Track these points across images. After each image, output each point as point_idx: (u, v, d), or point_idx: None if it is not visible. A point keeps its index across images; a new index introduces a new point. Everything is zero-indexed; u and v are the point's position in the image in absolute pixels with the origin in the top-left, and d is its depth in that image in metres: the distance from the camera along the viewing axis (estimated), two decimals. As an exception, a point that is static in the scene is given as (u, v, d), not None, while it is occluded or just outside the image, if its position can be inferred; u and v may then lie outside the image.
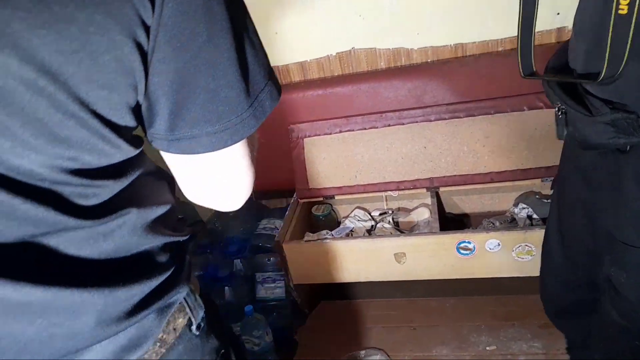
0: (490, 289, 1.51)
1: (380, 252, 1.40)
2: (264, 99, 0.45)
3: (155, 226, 0.49)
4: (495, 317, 1.44)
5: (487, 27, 1.52)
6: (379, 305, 1.59)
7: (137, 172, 0.48)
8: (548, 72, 0.88)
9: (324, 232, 1.58)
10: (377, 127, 1.62)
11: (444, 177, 1.55)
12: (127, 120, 0.42)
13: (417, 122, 1.58)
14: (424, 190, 1.57)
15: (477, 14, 1.50)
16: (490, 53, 1.55)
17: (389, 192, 1.61)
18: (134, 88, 0.40)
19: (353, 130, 1.63)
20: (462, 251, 1.32)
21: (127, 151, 0.44)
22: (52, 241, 0.42)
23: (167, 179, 0.54)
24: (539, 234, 1.25)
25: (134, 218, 0.47)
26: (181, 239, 0.53)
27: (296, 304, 1.56)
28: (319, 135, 1.65)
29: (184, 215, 1.83)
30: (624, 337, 0.88)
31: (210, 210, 1.87)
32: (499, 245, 1.29)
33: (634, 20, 0.64)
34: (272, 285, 1.53)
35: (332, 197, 1.66)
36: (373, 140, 1.62)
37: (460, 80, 1.56)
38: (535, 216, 1.42)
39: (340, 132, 1.64)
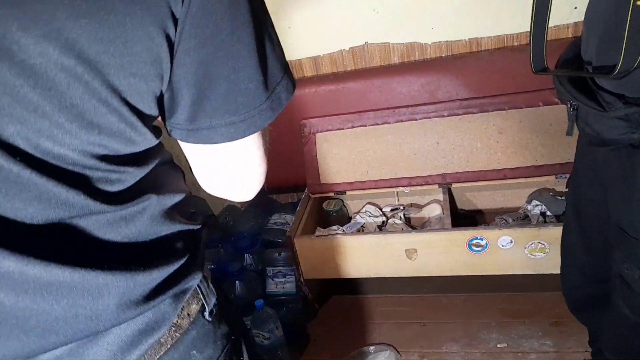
0: (501, 286, 1.52)
1: (391, 248, 1.42)
2: (280, 92, 0.47)
3: (172, 213, 0.52)
4: (506, 315, 1.45)
5: (503, 21, 1.52)
6: (389, 301, 1.60)
7: (157, 160, 0.50)
8: (559, 68, 0.88)
9: (335, 227, 1.61)
10: (389, 123, 1.63)
11: (456, 173, 1.56)
12: (152, 109, 0.44)
13: (430, 117, 1.59)
14: (436, 186, 1.59)
15: (493, 8, 1.50)
16: (505, 48, 1.55)
17: (401, 187, 1.62)
18: (161, 78, 0.42)
19: (365, 126, 1.65)
20: (474, 248, 1.33)
21: (150, 140, 0.47)
22: (79, 224, 0.44)
23: (180, 169, 0.57)
24: (552, 231, 1.25)
25: (154, 204, 0.49)
26: (195, 227, 0.56)
27: (306, 299, 1.58)
28: (331, 130, 1.67)
29: (196, 209, 1.87)
30: (636, 333, 0.89)
31: (222, 204, 1.92)
32: (511, 242, 1.30)
33: None
34: (283, 280, 1.56)
35: (344, 192, 1.68)
36: (385, 136, 1.63)
37: (475, 76, 1.56)
38: (548, 213, 1.43)
39: (353, 127, 1.66)
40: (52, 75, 0.37)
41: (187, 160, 0.54)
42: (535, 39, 0.87)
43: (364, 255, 1.47)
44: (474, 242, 1.32)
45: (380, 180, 1.63)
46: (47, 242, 0.43)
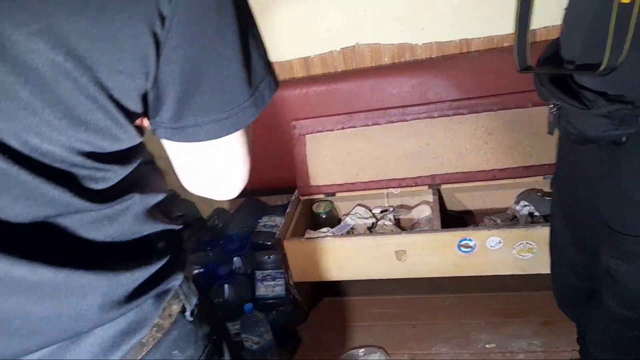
0: (490, 287, 1.54)
1: (381, 250, 1.44)
2: (263, 89, 0.49)
3: (154, 213, 0.53)
4: (495, 315, 1.47)
5: (492, 22, 1.55)
6: (380, 303, 1.62)
7: (139, 159, 0.51)
8: (540, 67, 0.91)
9: (325, 229, 1.62)
10: (380, 124, 1.65)
11: (446, 174, 1.58)
12: (137, 107, 0.45)
13: (420, 118, 1.61)
14: (426, 187, 1.61)
15: (482, 10, 1.53)
16: (494, 49, 1.58)
17: (391, 189, 1.64)
18: (147, 75, 0.43)
19: (356, 127, 1.67)
20: (463, 249, 1.35)
21: (134, 138, 0.48)
22: (64, 223, 0.45)
23: (160, 170, 0.58)
24: (540, 232, 1.28)
25: (137, 203, 0.50)
26: (176, 227, 0.57)
27: (296, 302, 1.60)
28: (321, 131, 1.69)
29: (185, 212, 1.88)
30: (624, 327, 0.92)
31: (211, 207, 1.93)
32: (500, 242, 1.32)
33: (637, 10, 0.67)
34: (272, 283, 1.57)
35: (334, 194, 1.70)
36: (376, 137, 1.65)
37: (464, 77, 1.59)
38: (536, 213, 1.45)
39: (343, 128, 1.68)
40: (43, 71, 0.38)
41: (168, 162, 0.55)
42: (519, 37, 0.89)
43: (353, 257, 1.48)
44: (463, 243, 1.34)
45: (371, 181, 1.65)
46: (33, 241, 0.44)
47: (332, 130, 1.68)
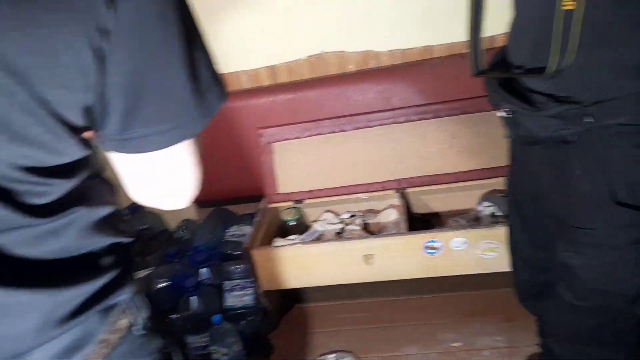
0: (457, 286, 1.59)
1: (349, 255, 1.46)
2: (212, 99, 0.50)
3: (100, 227, 0.53)
4: (461, 314, 1.52)
5: (454, 29, 1.60)
6: (350, 307, 1.65)
7: (85, 173, 0.51)
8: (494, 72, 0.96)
9: (294, 236, 1.63)
10: (346, 130, 1.69)
11: (412, 178, 1.63)
12: (80, 120, 0.45)
13: (385, 124, 1.66)
14: (393, 191, 1.65)
15: (444, 17, 1.59)
16: (456, 55, 1.64)
17: (359, 194, 1.67)
18: (89, 89, 0.43)
19: (322, 134, 1.70)
20: (429, 250, 1.38)
21: (78, 151, 0.48)
22: (4, 240, 0.45)
23: (110, 183, 0.58)
24: (502, 231, 1.33)
25: (81, 217, 0.50)
26: (126, 240, 0.57)
27: (267, 311, 1.60)
28: (289, 139, 1.71)
29: (150, 225, 1.86)
30: (579, 317, 0.96)
31: (178, 218, 1.91)
32: (464, 243, 1.36)
33: (580, 16, 0.72)
34: (241, 292, 1.56)
35: (302, 201, 1.72)
36: (342, 143, 1.68)
37: (428, 82, 1.64)
38: (499, 213, 1.51)
39: (310, 136, 1.70)
40: None
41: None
42: (473, 44, 0.94)
43: (323, 263, 1.50)
44: (429, 244, 1.37)
45: (338, 187, 1.68)
46: None
47: (299, 137, 1.70)
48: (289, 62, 1.73)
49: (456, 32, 1.65)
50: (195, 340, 1.45)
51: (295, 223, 1.71)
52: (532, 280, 1.14)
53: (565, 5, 0.74)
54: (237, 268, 1.59)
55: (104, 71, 0.43)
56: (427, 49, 1.67)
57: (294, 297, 1.74)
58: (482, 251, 1.34)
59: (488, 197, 1.57)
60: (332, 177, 1.68)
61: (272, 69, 1.76)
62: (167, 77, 0.45)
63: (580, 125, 0.82)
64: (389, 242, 1.42)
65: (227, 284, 1.59)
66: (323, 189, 1.69)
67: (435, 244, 1.36)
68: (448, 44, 1.65)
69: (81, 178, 0.50)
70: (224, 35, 1.64)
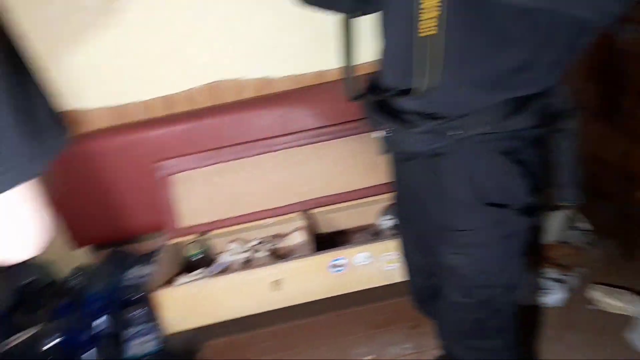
0: (365, 300, 1.63)
1: (257, 283, 1.45)
2: (50, 139, 0.47)
3: None
4: (371, 326, 1.56)
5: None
6: (262, 336, 1.62)
7: None
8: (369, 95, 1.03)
9: (199, 271, 1.58)
10: (247, 157, 1.69)
11: (317, 198, 1.67)
12: None
13: (286, 148, 1.69)
14: (298, 214, 1.67)
15: (334, 42, 1.67)
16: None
17: (264, 220, 1.67)
18: None
19: (223, 162, 1.69)
20: (335, 268, 1.42)
21: None
22: None
23: None
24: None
25: None
26: None
27: (174, 354, 1.51)
28: (188, 170, 1.68)
29: (35, 277, 1.69)
30: (466, 314, 1.04)
31: (69, 266, 1.77)
32: (368, 257, 1.41)
33: (441, 40, 0.80)
34: (144, 339, 1.47)
35: (206, 233, 1.68)
36: (245, 170, 1.68)
37: (324, 105, 1.72)
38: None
39: (210, 165, 1.68)
40: None
41: None
42: (347, 70, 1.01)
43: (231, 295, 1.47)
44: (335, 263, 1.41)
45: (243, 215, 1.67)
46: None
47: (199, 167, 1.68)
48: (185, 90, 1.72)
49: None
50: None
51: (200, 257, 1.66)
52: (424, 285, 1.21)
53: (423, 32, 0.82)
54: (138, 313, 1.50)
55: None
56: (321, 73, 1.75)
57: (206, 334, 1.67)
58: (385, 263, 1.41)
59: (388, 210, 1.65)
60: (236, 205, 1.67)
61: (167, 99, 1.72)
62: None
63: (448, 138, 0.90)
64: (296, 265, 1.43)
65: (128, 332, 1.49)
66: (228, 218, 1.66)
67: (340, 262, 1.40)
68: (339, 67, 1.73)
69: None
70: (114, 67, 1.59)
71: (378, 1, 0.95)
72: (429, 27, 0.82)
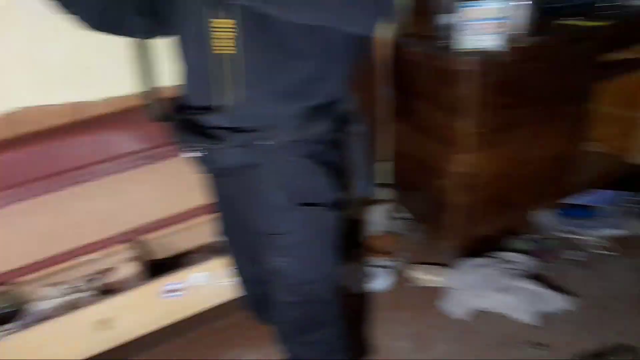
0: (212, 319, 1.60)
1: (80, 325, 1.32)
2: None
3: None
4: (223, 346, 1.53)
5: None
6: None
7: None
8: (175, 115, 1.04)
9: (10, 325, 1.38)
10: (61, 190, 1.53)
11: (145, 225, 1.59)
12: None
13: (105, 175, 1.57)
14: (127, 244, 1.57)
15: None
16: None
17: (88, 255, 1.53)
18: None
19: (32, 198, 1.50)
20: (170, 294, 1.37)
21: None
22: None
23: None
24: (236, 256, 1.42)
25: None
26: None
27: None
28: (-18, 213, 1.45)
29: None
30: (298, 312, 1.11)
31: None
32: (205, 276, 1.40)
33: (241, 58, 0.84)
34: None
35: (13, 281, 1.47)
36: (59, 205, 1.52)
37: (142, 128, 1.64)
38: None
39: (14, 203, 1.48)
40: None
41: None
42: (147, 92, 1.00)
43: (51, 344, 1.31)
44: (169, 288, 1.36)
45: (62, 254, 1.50)
46: None
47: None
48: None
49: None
50: None
51: (8, 310, 1.45)
52: (258, 294, 1.25)
53: (217, 50, 0.86)
54: None
55: None
56: (137, 96, 1.68)
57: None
58: (223, 279, 1.41)
59: (222, 226, 1.66)
60: (51, 245, 1.50)
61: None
62: None
63: (258, 149, 0.96)
64: (123, 299, 1.35)
65: None
66: (41, 261, 1.48)
67: (174, 287, 1.36)
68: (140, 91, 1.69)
69: None
70: None
71: (171, 23, 0.96)
72: (225, 47, 0.87)
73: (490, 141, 1.64)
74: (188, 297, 1.39)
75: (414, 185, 2.00)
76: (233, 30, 0.85)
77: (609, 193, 2.12)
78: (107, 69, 1.58)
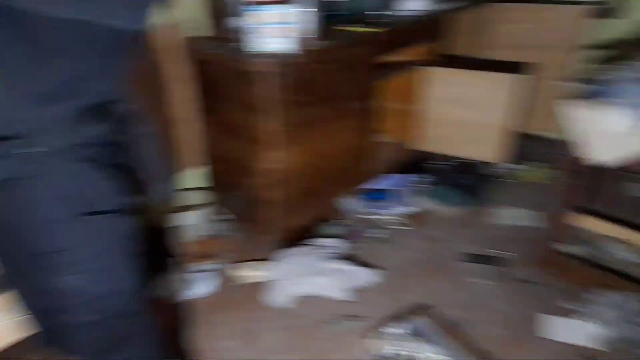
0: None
1: None
2: None
3: None
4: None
5: None
6: None
7: None
8: None
9: None
10: None
11: None
12: None
13: None
14: None
15: None
16: None
17: None
18: None
19: None
20: None
21: None
22: None
23: None
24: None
25: None
26: None
27: None
28: None
29: None
30: (99, 331, 1.02)
31: None
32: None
33: None
34: None
35: None
36: None
37: None
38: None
39: None
40: None
41: None
42: None
43: None
44: None
45: None
46: None
47: None
48: None
49: None
50: None
51: None
52: (52, 324, 1.11)
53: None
54: None
55: None
56: None
57: None
58: (11, 316, 1.21)
59: None
60: None
61: None
62: None
63: (22, 158, 0.85)
64: None
65: None
66: None
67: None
68: None
69: None
70: None
71: None
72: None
73: (294, 138, 1.75)
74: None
75: (232, 185, 2.03)
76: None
77: (399, 176, 2.46)
78: None
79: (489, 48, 2.73)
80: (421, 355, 1.46)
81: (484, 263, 1.95)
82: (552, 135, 1.69)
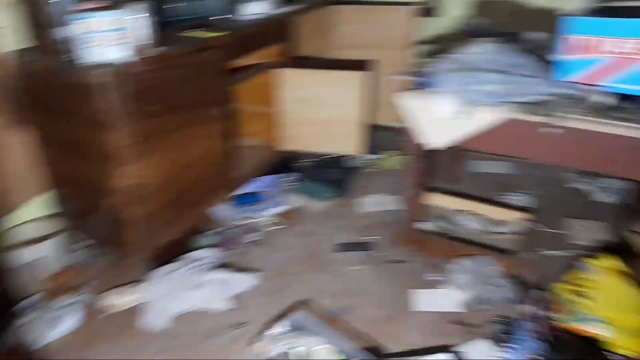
0: None
1: None
2: None
3: None
4: None
5: None
6: None
7: None
8: None
9: None
10: None
11: None
12: None
13: None
14: None
15: None
16: None
17: None
18: None
19: None
20: None
21: None
22: None
23: None
24: None
25: None
26: None
27: None
28: None
29: None
30: None
31: None
32: None
33: None
34: None
35: None
36: None
37: None
38: None
39: None
40: None
41: None
42: None
43: None
44: None
45: None
46: None
47: None
48: None
49: None
50: None
51: None
52: None
53: None
54: None
55: None
56: None
57: None
58: None
59: None
60: None
61: None
62: None
63: None
64: None
65: None
66: None
67: None
68: None
69: None
70: None
71: None
72: None
73: (146, 150, 1.65)
74: None
75: (86, 208, 1.84)
76: None
77: (268, 178, 2.48)
78: None
79: (334, 48, 2.89)
80: (303, 349, 1.49)
81: (356, 250, 2.05)
82: (398, 124, 1.84)
